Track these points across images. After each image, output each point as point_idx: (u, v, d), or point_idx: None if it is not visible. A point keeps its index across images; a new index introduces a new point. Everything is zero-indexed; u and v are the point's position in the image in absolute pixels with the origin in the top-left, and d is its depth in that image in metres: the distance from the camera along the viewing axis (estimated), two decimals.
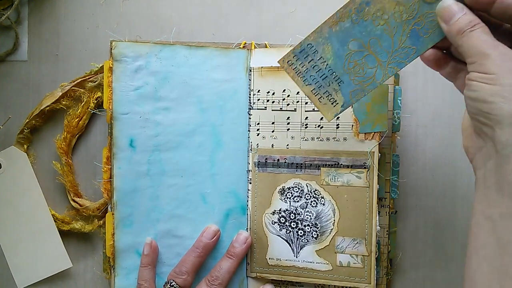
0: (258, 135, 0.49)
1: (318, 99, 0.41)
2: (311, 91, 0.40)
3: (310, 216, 0.48)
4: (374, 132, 0.46)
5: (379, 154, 0.47)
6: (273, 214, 0.49)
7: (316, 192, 0.48)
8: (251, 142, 0.49)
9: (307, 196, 0.48)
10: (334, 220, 0.47)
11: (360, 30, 0.38)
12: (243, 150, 0.49)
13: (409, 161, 0.51)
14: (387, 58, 0.38)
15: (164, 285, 0.46)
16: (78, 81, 0.51)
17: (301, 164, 0.48)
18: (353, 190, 0.47)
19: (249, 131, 0.49)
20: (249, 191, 0.50)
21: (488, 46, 0.32)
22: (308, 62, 0.40)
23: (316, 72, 0.40)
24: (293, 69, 0.41)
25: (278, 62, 0.41)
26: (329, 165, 0.47)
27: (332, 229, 0.48)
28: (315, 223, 0.48)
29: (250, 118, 0.49)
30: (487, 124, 0.32)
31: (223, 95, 0.49)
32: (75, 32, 0.53)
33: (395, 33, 0.38)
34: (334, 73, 0.40)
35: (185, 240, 0.49)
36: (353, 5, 0.38)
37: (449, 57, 0.38)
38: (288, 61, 0.41)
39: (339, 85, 0.40)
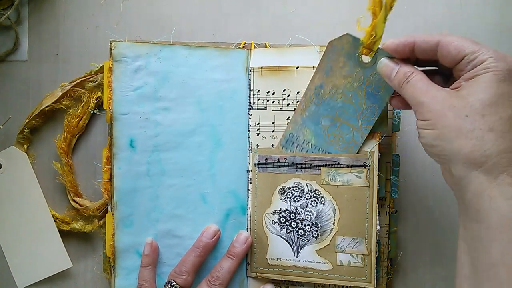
0: (258, 135, 0.49)
1: None
2: None
3: (310, 215, 0.48)
4: (374, 132, 0.46)
5: (379, 154, 0.47)
6: (273, 214, 0.49)
7: (316, 191, 0.48)
8: (251, 142, 0.49)
9: (307, 196, 0.48)
10: (334, 220, 0.47)
11: (325, 108, 0.45)
12: (243, 150, 0.49)
13: (409, 161, 0.51)
14: (358, 121, 0.45)
15: (164, 285, 0.46)
16: (78, 81, 0.51)
17: (301, 164, 0.48)
18: (354, 189, 0.47)
19: (249, 131, 0.49)
20: (249, 191, 0.50)
21: (420, 94, 0.36)
22: (296, 148, 0.47)
23: (306, 152, 0.47)
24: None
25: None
26: (329, 165, 0.47)
27: (332, 228, 0.48)
28: (316, 223, 0.48)
29: (250, 118, 0.49)
30: (442, 163, 0.36)
31: (223, 95, 0.49)
32: (75, 32, 0.53)
33: (354, 100, 0.44)
34: (320, 149, 0.47)
35: (185, 240, 0.49)
36: (310, 92, 0.45)
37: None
38: (279, 152, 0.48)
39: None
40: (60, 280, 0.53)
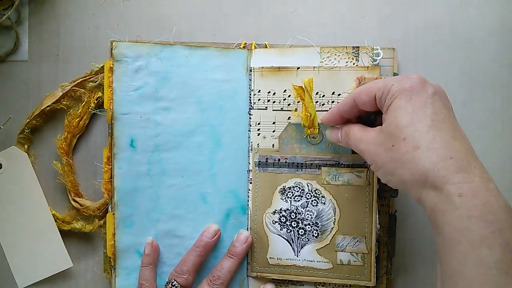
0: (258, 135, 0.49)
1: None
2: None
3: (310, 215, 0.48)
4: None
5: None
6: (274, 214, 0.49)
7: (316, 191, 0.48)
8: (251, 142, 0.49)
9: (308, 196, 0.48)
10: (334, 219, 0.48)
11: None
12: (243, 150, 0.50)
13: None
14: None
15: (165, 285, 0.46)
16: (78, 81, 0.51)
17: (302, 163, 0.48)
18: (354, 189, 0.47)
19: (249, 131, 0.49)
20: (249, 191, 0.50)
21: (358, 143, 0.40)
22: None
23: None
24: None
25: None
26: (329, 164, 0.48)
27: (332, 227, 0.48)
28: (316, 222, 0.48)
29: (250, 118, 0.49)
30: (404, 191, 0.38)
31: (223, 95, 0.49)
32: (75, 32, 0.53)
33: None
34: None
35: (185, 240, 0.49)
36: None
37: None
38: None
39: None
40: (61, 280, 0.53)
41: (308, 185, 0.48)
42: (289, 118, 0.48)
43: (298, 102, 0.48)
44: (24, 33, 0.53)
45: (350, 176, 0.47)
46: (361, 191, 0.47)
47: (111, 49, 0.48)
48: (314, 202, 0.48)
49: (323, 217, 0.48)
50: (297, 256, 0.48)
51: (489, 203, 0.32)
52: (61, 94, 0.51)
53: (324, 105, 0.48)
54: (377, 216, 0.47)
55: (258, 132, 0.49)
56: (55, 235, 0.52)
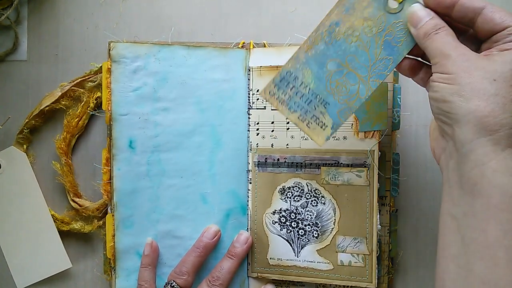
0: (257, 134, 0.49)
1: (306, 125, 0.40)
2: (298, 118, 0.40)
3: (310, 215, 0.48)
4: (374, 131, 0.46)
5: (379, 153, 0.47)
6: (274, 214, 0.49)
7: (316, 191, 0.48)
8: (250, 142, 0.49)
9: (308, 196, 0.48)
10: (334, 219, 0.47)
11: (335, 50, 0.39)
12: (242, 150, 0.49)
13: (409, 160, 0.51)
14: (367, 72, 0.39)
15: (164, 286, 0.46)
16: (77, 81, 0.51)
17: (301, 163, 0.48)
18: (354, 189, 0.47)
19: (248, 131, 0.49)
20: (249, 191, 0.49)
21: (449, 47, 0.34)
22: (290, 90, 0.40)
23: (300, 98, 0.40)
24: (276, 99, 0.40)
25: (259, 94, 0.41)
26: (329, 164, 0.47)
27: (333, 228, 0.48)
28: (316, 223, 0.48)
29: (249, 118, 0.49)
30: (447, 123, 0.34)
31: (222, 95, 0.49)
32: (74, 32, 0.53)
33: (369, 47, 0.38)
34: (318, 96, 0.39)
35: (185, 240, 0.49)
36: (323, 28, 0.39)
37: (421, 63, 0.39)
38: (269, 92, 0.40)
39: (325, 107, 0.39)
40: (60, 281, 0.53)
41: (307, 185, 0.48)
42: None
43: None
44: (23, 33, 0.53)
45: (350, 175, 0.47)
46: (361, 191, 0.47)
47: (109, 50, 0.48)
48: (314, 202, 0.48)
49: (323, 217, 0.48)
50: (298, 257, 0.48)
51: None
52: (60, 94, 0.51)
53: None
54: (378, 216, 0.47)
55: (257, 132, 0.49)
56: (54, 236, 0.51)
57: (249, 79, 0.49)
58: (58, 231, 0.52)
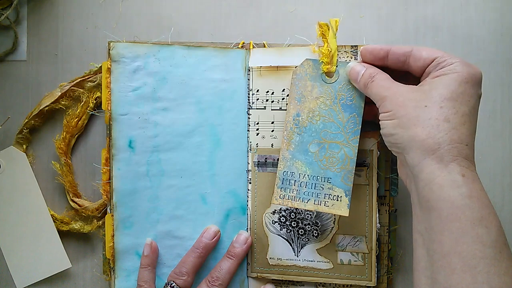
0: (257, 134, 0.49)
1: (325, 205, 0.45)
2: (314, 203, 0.45)
3: (310, 215, 0.48)
4: (373, 131, 0.46)
5: (378, 152, 0.47)
6: (274, 214, 0.49)
7: None
8: (250, 142, 0.49)
9: None
10: (334, 219, 0.48)
11: (308, 135, 0.45)
12: (242, 150, 0.49)
13: None
14: (343, 136, 0.45)
15: (164, 286, 0.46)
16: (77, 81, 0.51)
17: None
18: (353, 188, 0.47)
19: (248, 131, 0.49)
20: (249, 191, 0.49)
21: (384, 90, 0.39)
22: (294, 185, 0.45)
23: (305, 187, 0.45)
24: (288, 199, 0.45)
25: (273, 202, 0.45)
26: None
27: (332, 227, 0.48)
28: (316, 222, 0.48)
29: (249, 118, 0.49)
30: (399, 152, 0.38)
31: (222, 95, 0.49)
32: (74, 32, 0.53)
33: (332, 117, 0.45)
34: (318, 177, 0.45)
35: (185, 241, 0.49)
36: (289, 124, 0.45)
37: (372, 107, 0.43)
38: (280, 196, 0.45)
39: (330, 182, 0.45)
40: (59, 281, 0.53)
41: None
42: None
43: None
44: (23, 33, 0.53)
45: None
46: (360, 190, 0.47)
47: (109, 49, 0.48)
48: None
49: (323, 216, 0.48)
50: (297, 256, 0.48)
51: (484, 191, 0.35)
52: (59, 94, 0.51)
53: None
54: (377, 215, 0.47)
55: (257, 132, 0.49)
56: (53, 236, 0.51)
57: (249, 79, 0.49)
58: (58, 231, 0.52)
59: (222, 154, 0.49)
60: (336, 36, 0.46)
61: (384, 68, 0.42)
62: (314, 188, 0.45)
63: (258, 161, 0.49)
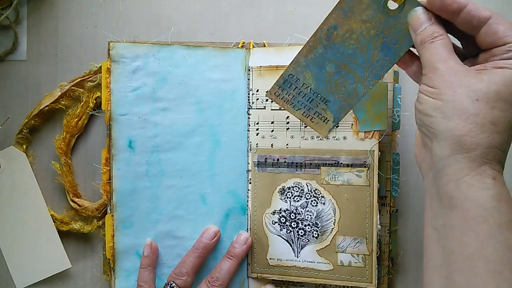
0: (257, 134, 0.49)
1: (310, 120, 0.43)
2: (302, 114, 0.43)
3: (310, 215, 0.48)
4: (374, 131, 0.46)
5: (379, 153, 0.47)
6: (274, 214, 0.48)
7: (316, 191, 0.47)
8: (250, 142, 0.49)
9: (307, 196, 0.48)
10: (334, 220, 0.47)
11: (333, 53, 0.40)
12: (242, 150, 0.49)
13: (410, 160, 0.51)
14: (364, 73, 0.40)
15: (164, 287, 0.46)
16: (77, 80, 0.51)
17: (301, 163, 0.48)
18: (354, 189, 0.47)
19: (248, 131, 0.49)
20: (249, 191, 0.49)
21: (439, 59, 0.33)
22: (293, 90, 0.42)
23: (302, 97, 0.42)
24: (281, 99, 0.43)
25: (266, 95, 0.43)
26: (329, 164, 0.47)
27: (332, 228, 0.47)
28: (316, 223, 0.48)
29: (249, 117, 0.49)
30: (428, 136, 0.34)
31: (222, 95, 0.49)
32: (74, 32, 0.53)
33: (366, 49, 0.39)
34: (319, 95, 0.41)
35: (185, 241, 0.49)
36: (321, 32, 0.39)
37: (415, 57, 0.39)
38: (275, 93, 0.42)
39: (326, 104, 0.42)
40: (59, 281, 0.53)
41: (307, 185, 0.48)
42: (287, 117, 0.48)
43: None
44: (23, 33, 0.53)
45: (350, 175, 0.47)
46: (361, 191, 0.47)
47: (109, 49, 0.48)
48: (314, 202, 0.48)
49: (323, 217, 0.48)
50: (297, 257, 0.48)
51: (511, 195, 0.32)
52: (59, 93, 0.51)
53: None
54: (378, 216, 0.47)
55: (257, 131, 0.49)
56: (53, 236, 0.51)
57: (249, 79, 0.49)
58: (58, 231, 0.52)
59: (222, 154, 0.49)
60: None
61: (450, 26, 0.36)
62: (310, 102, 0.42)
63: (258, 161, 0.49)
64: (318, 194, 0.47)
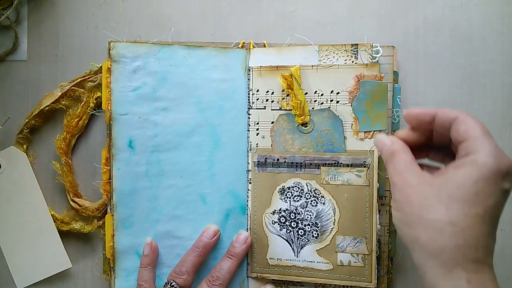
0: (257, 134, 0.49)
1: None
2: None
3: (310, 215, 0.48)
4: (374, 131, 0.46)
5: (379, 153, 0.47)
6: (273, 214, 0.49)
7: (316, 191, 0.48)
8: (250, 142, 0.49)
9: (307, 196, 0.48)
10: (334, 219, 0.47)
11: None
12: (242, 150, 0.49)
13: None
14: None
15: (164, 286, 0.46)
16: (77, 81, 0.51)
17: (301, 163, 0.48)
18: (353, 189, 0.47)
19: (248, 131, 0.49)
20: (249, 191, 0.49)
21: (396, 175, 0.36)
22: None
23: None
24: None
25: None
26: (328, 164, 0.47)
27: (332, 228, 0.47)
28: (316, 223, 0.48)
29: (249, 117, 0.49)
30: (407, 247, 0.35)
31: (222, 95, 0.49)
32: (74, 32, 0.53)
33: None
34: None
35: (185, 241, 0.49)
36: None
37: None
38: None
39: None
40: (60, 281, 0.53)
41: (307, 185, 0.48)
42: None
43: (287, 95, 0.48)
44: (23, 33, 0.53)
45: (349, 175, 0.47)
46: (361, 191, 0.47)
47: (109, 49, 0.48)
48: (314, 202, 0.48)
49: (323, 217, 0.48)
50: (297, 257, 0.48)
51: None
52: (60, 94, 0.51)
53: (323, 104, 0.48)
54: (378, 216, 0.47)
55: (257, 131, 0.49)
56: (54, 236, 0.51)
57: (249, 79, 0.49)
58: (58, 231, 0.52)
59: (222, 154, 0.49)
60: (301, 87, 0.47)
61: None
62: None
63: (258, 161, 0.49)
64: (318, 194, 0.48)
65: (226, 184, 0.49)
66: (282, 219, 0.48)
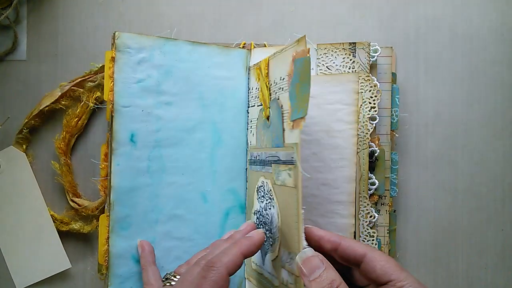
0: (251, 132, 0.48)
1: None
2: None
3: (268, 219, 0.41)
4: (298, 119, 0.36)
5: (377, 151, 0.46)
6: (254, 215, 0.46)
7: (270, 192, 0.41)
8: (250, 141, 0.49)
9: (267, 197, 0.43)
10: (278, 227, 0.39)
11: None
12: (242, 148, 0.49)
13: (410, 161, 0.51)
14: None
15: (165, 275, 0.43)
16: (77, 81, 0.51)
17: (264, 160, 0.43)
18: (287, 191, 0.38)
19: (247, 129, 0.49)
20: (247, 190, 0.49)
21: None
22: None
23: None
24: None
25: None
26: (274, 161, 0.41)
27: (278, 237, 0.39)
28: (270, 228, 0.41)
29: (248, 116, 0.49)
30: None
31: (224, 93, 0.49)
32: (74, 32, 0.53)
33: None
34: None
35: (184, 242, 0.48)
36: None
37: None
38: None
39: None
40: (59, 281, 0.53)
41: (266, 185, 0.42)
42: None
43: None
44: (23, 32, 0.53)
45: (284, 175, 0.38)
46: (291, 194, 0.37)
47: (114, 39, 0.45)
48: (269, 205, 0.42)
49: (273, 223, 0.40)
50: (264, 265, 0.43)
51: None
52: (59, 94, 0.51)
53: (276, 93, 0.42)
54: (303, 232, 0.35)
55: (251, 129, 0.48)
56: (53, 236, 0.51)
57: (249, 78, 0.49)
58: (58, 231, 0.51)
59: (223, 152, 0.49)
60: (266, 78, 0.43)
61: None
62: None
63: (250, 158, 0.48)
64: (272, 196, 0.41)
65: (226, 182, 0.49)
66: (257, 221, 0.45)
